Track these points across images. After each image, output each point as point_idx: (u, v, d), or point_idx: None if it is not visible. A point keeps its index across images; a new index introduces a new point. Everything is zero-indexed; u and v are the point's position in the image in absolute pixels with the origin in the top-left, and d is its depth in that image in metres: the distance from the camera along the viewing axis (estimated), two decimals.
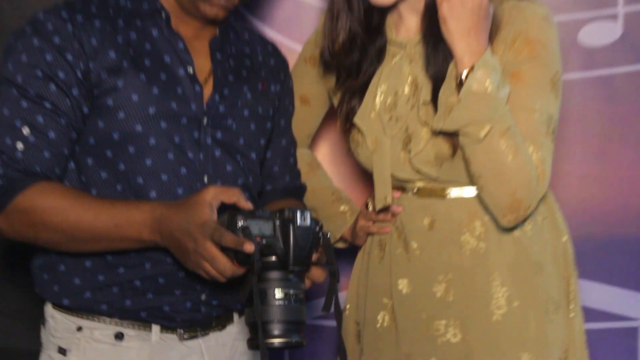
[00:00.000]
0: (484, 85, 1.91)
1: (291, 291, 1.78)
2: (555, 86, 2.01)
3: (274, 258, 1.79)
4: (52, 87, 1.89)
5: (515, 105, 1.97)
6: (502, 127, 1.93)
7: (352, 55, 2.13)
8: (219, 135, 2.01)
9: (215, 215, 1.78)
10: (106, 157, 1.93)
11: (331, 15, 2.13)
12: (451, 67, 1.97)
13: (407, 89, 2.10)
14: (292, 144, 2.27)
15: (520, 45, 1.99)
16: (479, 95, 1.92)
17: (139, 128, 1.92)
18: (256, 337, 1.74)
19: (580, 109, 2.67)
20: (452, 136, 2.01)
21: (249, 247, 1.72)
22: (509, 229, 2.07)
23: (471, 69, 1.93)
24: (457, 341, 2.07)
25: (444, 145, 2.04)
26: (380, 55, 2.14)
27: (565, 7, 2.61)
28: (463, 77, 1.94)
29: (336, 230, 2.30)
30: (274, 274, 1.79)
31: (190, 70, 1.99)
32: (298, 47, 2.46)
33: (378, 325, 2.17)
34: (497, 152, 1.93)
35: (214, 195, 1.79)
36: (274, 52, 2.22)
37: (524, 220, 2.08)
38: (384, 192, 2.15)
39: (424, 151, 2.07)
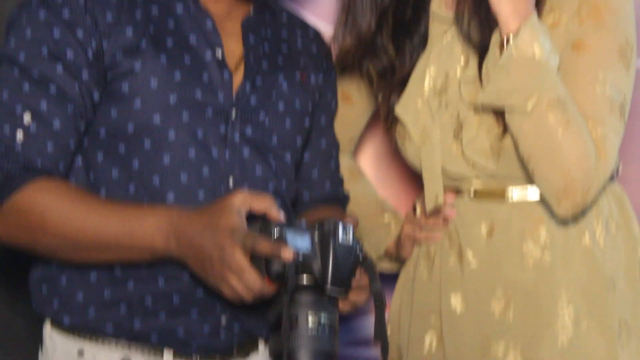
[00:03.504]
0: (532, 49, 1.78)
1: (325, 316, 1.65)
2: (626, 57, 1.85)
3: (309, 278, 1.65)
4: (59, 68, 1.76)
5: (575, 78, 1.84)
6: (550, 97, 1.79)
7: (373, 61, 2.02)
8: (248, 131, 1.86)
9: (245, 223, 1.66)
10: (118, 152, 1.80)
11: (343, 7, 2.00)
12: (495, 35, 1.84)
13: (459, 70, 1.96)
14: (334, 145, 2.11)
15: (586, 12, 1.85)
16: (525, 61, 1.78)
17: (157, 119, 1.79)
18: None
19: None
20: (503, 117, 1.87)
21: (288, 254, 1.60)
22: (578, 238, 1.91)
23: (517, 31, 1.79)
24: None
25: (496, 129, 1.90)
26: (424, 41, 2.02)
27: None
28: (509, 40, 1.79)
29: (379, 243, 2.13)
30: (308, 296, 1.65)
31: (219, 53, 1.85)
32: None
33: (425, 351, 2.00)
34: (546, 126, 1.80)
35: (242, 201, 1.67)
36: (315, 38, 2.07)
37: (596, 228, 1.92)
38: (434, 190, 1.99)
39: (478, 139, 1.92)
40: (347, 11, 1.97)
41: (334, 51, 2.04)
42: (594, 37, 1.84)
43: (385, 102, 2.03)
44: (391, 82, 2.01)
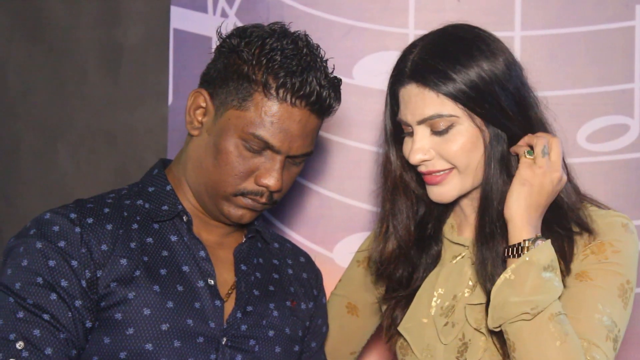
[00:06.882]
0: (546, 260, 1.81)
1: None
2: (625, 295, 1.89)
3: None
4: (53, 296, 1.76)
5: (577, 303, 1.87)
6: (553, 309, 1.81)
7: (401, 268, 2.03)
8: (238, 358, 1.86)
9: None
10: None
11: (383, 218, 2.03)
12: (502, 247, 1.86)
13: (467, 292, 1.97)
14: None
15: (590, 249, 1.92)
16: (536, 269, 1.80)
17: (149, 347, 1.78)
18: None
19: None
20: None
21: None
22: None
23: (533, 242, 1.82)
24: None
25: (499, 355, 1.90)
26: (435, 261, 2.04)
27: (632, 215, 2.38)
28: (525, 245, 1.82)
29: None
30: None
31: (211, 282, 1.86)
32: (326, 253, 2.32)
33: None
34: (545, 334, 1.79)
35: None
36: (306, 264, 2.08)
37: None
38: None
39: None
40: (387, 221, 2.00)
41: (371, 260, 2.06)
42: (597, 272, 1.88)
43: (389, 315, 2.03)
44: (398, 294, 2.03)
